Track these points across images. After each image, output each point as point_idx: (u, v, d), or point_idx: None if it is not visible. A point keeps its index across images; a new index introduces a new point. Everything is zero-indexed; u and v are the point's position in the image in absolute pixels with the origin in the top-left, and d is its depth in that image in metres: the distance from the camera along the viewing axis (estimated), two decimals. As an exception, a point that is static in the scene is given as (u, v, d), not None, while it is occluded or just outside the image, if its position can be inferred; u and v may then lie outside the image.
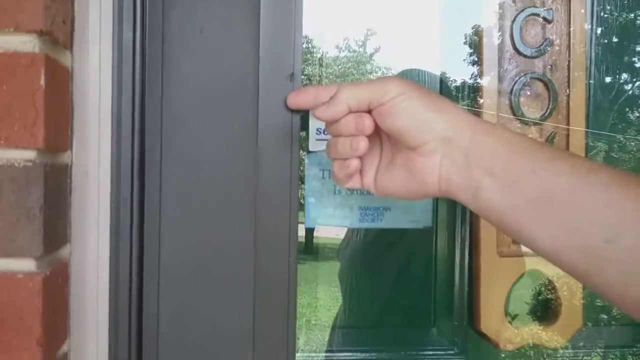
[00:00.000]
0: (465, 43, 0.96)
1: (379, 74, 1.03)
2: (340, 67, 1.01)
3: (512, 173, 0.49)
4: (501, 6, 0.86)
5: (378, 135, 0.58)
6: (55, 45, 0.55)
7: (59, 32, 0.55)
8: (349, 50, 1.01)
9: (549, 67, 0.86)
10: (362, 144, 0.54)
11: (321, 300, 1.00)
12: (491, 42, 0.86)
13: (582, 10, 0.87)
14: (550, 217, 0.48)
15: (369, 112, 0.55)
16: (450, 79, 0.96)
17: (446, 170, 0.53)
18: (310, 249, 0.95)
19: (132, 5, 0.60)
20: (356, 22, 0.98)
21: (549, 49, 0.86)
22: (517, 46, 0.85)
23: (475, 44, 0.93)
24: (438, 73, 0.96)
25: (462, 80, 0.95)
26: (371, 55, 1.01)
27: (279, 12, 0.64)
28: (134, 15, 0.60)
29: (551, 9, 0.86)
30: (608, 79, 0.97)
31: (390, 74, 1.01)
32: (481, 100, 0.87)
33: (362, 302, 0.99)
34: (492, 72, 0.87)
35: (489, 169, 0.50)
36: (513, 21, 0.86)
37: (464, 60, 0.96)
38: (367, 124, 0.54)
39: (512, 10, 0.86)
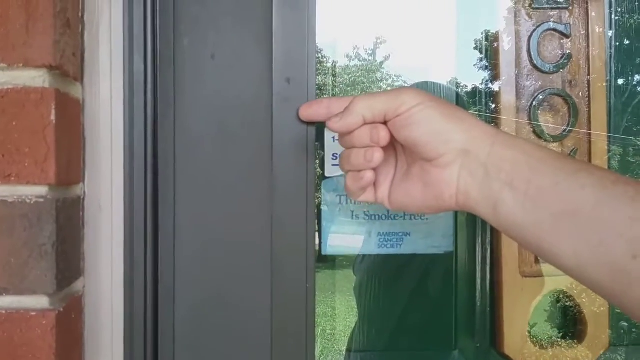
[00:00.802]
0: (475, 48, 0.95)
1: (389, 81, 1.02)
2: (350, 76, 1.00)
3: (534, 186, 0.47)
4: (517, 22, 0.85)
5: (393, 147, 0.57)
6: (65, 78, 0.54)
7: (69, 66, 0.55)
8: (359, 59, 1.00)
9: (568, 82, 0.84)
10: (377, 155, 0.53)
11: (336, 310, 0.98)
12: (508, 58, 0.84)
13: (600, 24, 0.85)
14: (574, 232, 0.45)
15: (384, 123, 0.54)
16: (461, 84, 0.95)
17: (464, 183, 0.51)
18: (323, 257, 0.93)
19: (142, 35, 0.60)
20: (366, 30, 0.97)
21: (567, 64, 0.84)
22: (535, 62, 0.84)
23: (486, 49, 0.91)
24: (448, 79, 0.94)
25: (474, 86, 0.94)
26: (381, 63, 1.00)
27: (292, 33, 0.63)
28: (144, 45, 0.60)
29: (569, 23, 0.84)
30: (629, 93, 0.95)
31: (400, 82, 1.00)
32: (499, 117, 0.86)
33: (379, 322, 0.97)
34: (510, 88, 0.85)
35: (509, 182, 0.49)
36: (530, 37, 0.84)
37: (474, 65, 0.95)
38: (383, 135, 0.53)
39: (528, 26, 0.84)
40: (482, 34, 0.93)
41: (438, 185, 0.52)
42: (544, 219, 0.47)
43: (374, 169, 0.55)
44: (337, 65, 0.97)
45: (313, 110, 0.59)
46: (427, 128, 0.51)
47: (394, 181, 0.57)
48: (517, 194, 0.48)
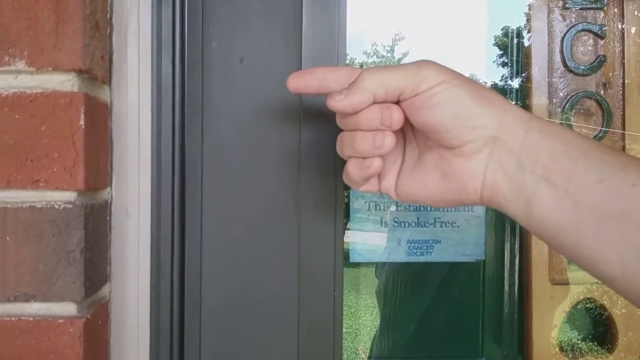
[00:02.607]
0: (495, 44, 0.93)
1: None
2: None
3: (575, 182, 0.41)
4: (550, 22, 0.82)
5: (401, 129, 0.48)
6: (94, 82, 0.53)
7: (98, 69, 0.54)
8: (377, 56, 0.99)
9: (602, 85, 0.82)
10: (388, 140, 0.45)
11: (353, 308, 0.96)
12: (540, 59, 0.82)
13: (636, 25, 0.82)
14: (622, 236, 0.39)
15: (397, 102, 0.46)
16: (480, 81, 0.93)
17: (492, 175, 0.44)
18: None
19: (171, 38, 0.59)
20: (384, 27, 0.96)
21: (601, 66, 0.82)
22: (568, 63, 0.81)
23: (510, 46, 0.89)
24: (467, 75, 0.93)
25: (493, 83, 0.92)
26: (399, 60, 0.99)
27: (322, 36, 0.62)
28: (172, 48, 0.59)
29: (603, 24, 0.82)
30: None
31: None
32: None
33: (401, 328, 0.96)
34: (541, 90, 0.83)
35: (545, 176, 0.42)
36: (563, 37, 0.82)
37: (493, 62, 0.93)
38: (396, 117, 0.45)
39: (561, 26, 0.82)
40: (502, 29, 0.91)
41: (460, 177, 0.45)
42: (586, 220, 0.40)
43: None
44: (355, 62, 0.96)
45: (303, 82, 0.49)
46: (452, 111, 0.44)
47: (402, 169, 0.50)
48: (554, 190, 0.41)
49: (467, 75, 0.93)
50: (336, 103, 0.45)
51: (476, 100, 0.44)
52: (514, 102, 0.88)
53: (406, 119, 0.46)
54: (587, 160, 0.41)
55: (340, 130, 0.49)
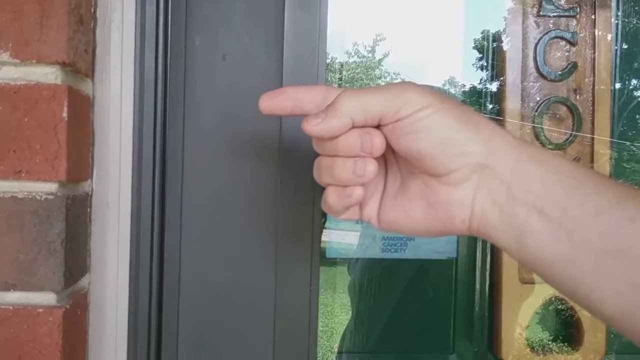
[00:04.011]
0: (475, 48, 0.95)
1: (388, 79, 1.02)
2: (349, 72, 1.00)
3: (570, 214, 0.38)
4: (524, 28, 0.85)
5: (382, 154, 0.44)
6: (77, 75, 0.54)
7: (81, 62, 0.55)
8: (358, 56, 1.00)
9: (573, 90, 0.85)
10: (370, 167, 0.42)
11: (329, 307, 0.98)
12: (514, 64, 0.85)
13: (607, 32, 0.85)
14: (620, 272, 0.37)
15: (377, 126, 0.43)
16: (459, 83, 0.95)
17: (481, 205, 0.41)
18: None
19: (154, 33, 0.60)
20: (365, 27, 0.97)
21: (573, 72, 0.84)
22: (541, 69, 0.84)
23: (486, 49, 0.91)
24: (447, 78, 0.95)
25: (472, 86, 0.94)
26: (380, 60, 1.00)
27: (303, 35, 0.63)
28: (156, 43, 0.60)
29: (575, 31, 0.84)
30: (634, 102, 0.95)
31: (399, 79, 0.99)
32: (503, 123, 0.86)
33: (373, 323, 0.98)
34: (514, 95, 0.85)
35: (538, 207, 0.39)
36: (537, 44, 0.84)
37: (473, 65, 0.95)
38: (377, 143, 0.42)
39: (535, 33, 0.85)
40: (482, 33, 0.93)
41: (447, 207, 0.43)
42: (582, 255, 0.38)
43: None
44: (336, 61, 0.97)
45: (276, 102, 0.45)
46: (438, 137, 0.41)
47: (384, 197, 0.47)
48: (548, 222, 0.39)
49: (447, 78, 0.95)
50: (312, 128, 0.42)
51: (462, 125, 0.41)
52: (490, 105, 0.91)
53: (389, 145, 0.43)
54: (582, 192, 0.39)
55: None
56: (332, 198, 0.44)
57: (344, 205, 0.44)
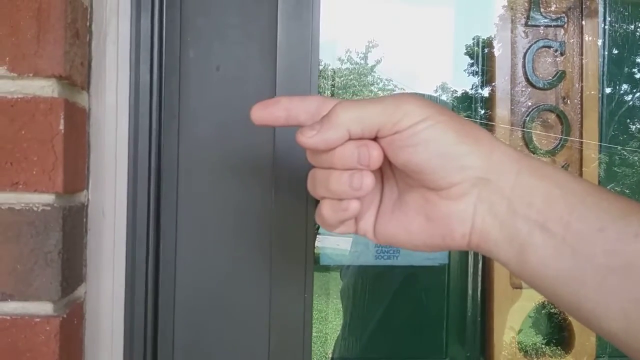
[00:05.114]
0: (466, 54, 0.97)
1: (380, 85, 1.02)
2: (342, 79, 1.01)
3: (573, 230, 0.38)
4: (513, 37, 0.86)
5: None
6: (73, 88, 0.55)
7: (77, 75, 0.55)
8: (350, 62, 1.01)
9: (562, 98, 0.86)
10: (367, 180, 0.41)
11: (323, 313, 0.99)
12: (504, 73, 0.86)
13: (594, 42, 0.87)
14: (624, 290, 0.36)
15: (374, 138, 0.42)
16: (451, 89, 0.96)
17: (481, 220, 0.41)
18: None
19: (149, 46, 0.61)
20: (358, 34, 0.98)
21: (561, 81, 0.86)
22: (530, 78, 0.85)
23: (477, 55, 0.93)
24: (439, 84, 0.96)
25: (464, 91, 0.95)
26: (372, 67, 1.01)
27: (296, 46, 0.65)
28: (150, 56, 0.61)
29: (564, 40, 0.86)
30: (625, 107, 0.97)
31: (391, 85, 1.00)
32: (493, 131, 0.87)
33: (365, 328, 0.98)
34: (504, 103, 0.87)
35: (540, 222, 0.39)
36: (525, 53, 0.86)
37: (465, 70, 0.96)
38: (375, 155, 0.41)
39: (524, 42, 0.86)
40: (473, 39, 0.95)
41: (447, 221, 0.42)
42: (585, 272, 0.37)
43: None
44: (329, 68, 0.98)
45: (268, 113, 0.44)
46: (438, 150, 0.40)
47: (380, 210, 0.46)
48: (551, 238, 0.38)
49: (439, 84, 0.96)
50: (307, 140, 0.41)
51: (462, 139, 0.40)
52: (482, 111, 0.92)
53: (387, 158, 0.42)
54: (585, 207, 0.38)
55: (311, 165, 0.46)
56: (327, 211, 0.43)
57: (340, 219, 0.43)
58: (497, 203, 0.40)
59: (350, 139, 0.41)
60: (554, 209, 0.38)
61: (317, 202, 0.45)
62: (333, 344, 0.98)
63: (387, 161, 0.43)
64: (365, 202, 0.45)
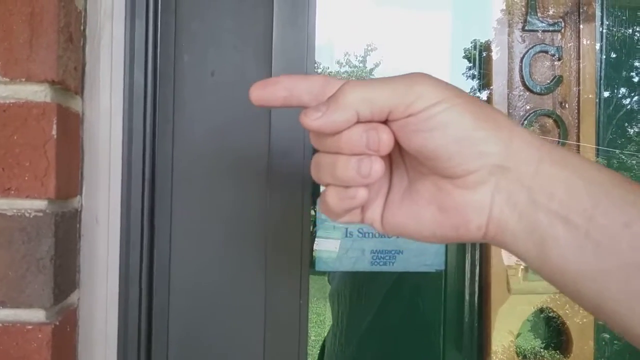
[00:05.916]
0: (464, 57, 0.96)
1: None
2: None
3: (597, 224, 0.35)
4: (510, 43, 0.86)
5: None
6: (66, 92, 0.55)
7: (71, 80, 0.55)
8: (349, 66, 1.01)
9: (559, 103, 0.86)
10: (376, 166, 0.37)
11: (321, 316, 0.98)
12: (501, 78, 0.86)
13: (592, 46, 0.87)
14: None
15: (385, 121, 0.38)
16: None
17: (500, 210, 0.38)
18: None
19: (143, 50, 0.60)
20: (357, 37, 0.98)
21: (558, 85, 0.86)
22: (527, 83, 0.85)
23: (475, 58, 0.93)
24: None
25: None
26: (371, 70, 1.01)
27: (291, 51, 0.64)
28: (145, 60, 0.60)
29: (561, 45, 0.86)
30: (619, 113, 0.97)
31: None
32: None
33: (353, 331, 0.98)
34: (502, 106, 0.87)
35: (563, 214, 0.36)
36: (522, 58, 0.86)
37: (463, 74, 0.96)
38: (385, 140, 0.38)
39: (521, 47, 0.86)
40: (471, 42, 0.94)
41: (463, 212, 0.39)
42: (610, 269, 0.35)
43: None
44: (328, 71, 0.98)
45: (268, 92, 0.40)
46: (454, 136, 0.37)
47: (389, 198, 0.43)
48: (573, 232, 0.36)
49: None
50: (312, 122, 0.37)
51: (481, 123, 0.37)
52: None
53: (398, 143, 0.39)
54: (610, 200, 0.35)
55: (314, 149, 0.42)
56: (332, 199, 0.40)
57: (346, 207, 0.40)
58: (516, 193, 0.37)
59: (358, 121, 0.38)
60: (577, 200, 0.36)
61: (314, 201, 0.44)
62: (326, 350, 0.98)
63: (397, 146, 0.39)
64: (373, 190, 0.42)
